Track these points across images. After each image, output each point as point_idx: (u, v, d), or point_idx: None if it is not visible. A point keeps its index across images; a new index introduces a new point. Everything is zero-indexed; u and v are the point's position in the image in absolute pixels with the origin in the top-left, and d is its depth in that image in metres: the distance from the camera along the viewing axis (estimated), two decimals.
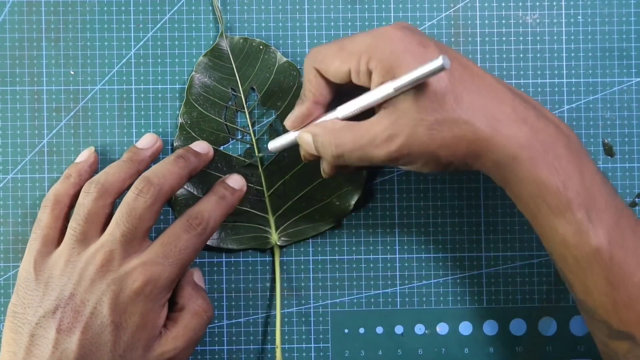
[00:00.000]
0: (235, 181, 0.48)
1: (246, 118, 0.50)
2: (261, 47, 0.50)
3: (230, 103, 0.50)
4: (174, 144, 0.50)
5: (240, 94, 0.50)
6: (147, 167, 0.47)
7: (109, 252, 0.43)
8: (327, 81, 0.43)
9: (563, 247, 0.41)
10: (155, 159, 0.48)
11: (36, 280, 0.44)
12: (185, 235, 0.44)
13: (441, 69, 0.37)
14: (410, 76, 0.38)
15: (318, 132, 0.43)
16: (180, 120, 0.50)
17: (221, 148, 0.50)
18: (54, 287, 0.43)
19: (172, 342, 0.44)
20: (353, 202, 0.50)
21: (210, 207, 0.46)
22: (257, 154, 0.50)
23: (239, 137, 0.50)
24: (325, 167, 0.45)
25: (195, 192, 0.49)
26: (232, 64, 0.50)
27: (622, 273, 0.40)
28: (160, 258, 0.43)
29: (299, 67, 0.50)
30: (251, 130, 0.50)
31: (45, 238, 0.45)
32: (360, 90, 0.42)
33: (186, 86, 0.50)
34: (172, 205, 0.50)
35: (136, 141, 0.49)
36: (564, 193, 0.40)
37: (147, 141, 0.48)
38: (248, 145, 0.50)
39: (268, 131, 0.50)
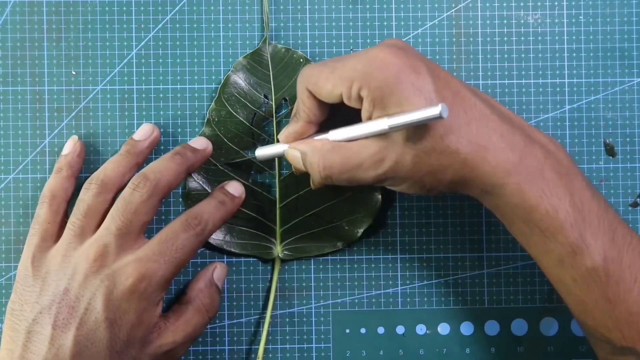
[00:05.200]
0: (235, 188, 0.48)
1: (273, 127, 0.50)
2: (301, 60, 0.50)
3: (260, 109, 0.50)
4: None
5: (272, 102, 0.50)
6: (146, 158, 0.48)
7: (103, 246, 0.43)
8: (320, 102, 0.43)
9: (559, 269, 0.41)
10: (153, 148, 0.48)
11: (34, 276, 0.44)
12: (184, 234, 0.44)
13: (438, 117, 0.37)
14: (407, 118, 0.38)
15: (307, 152, 0.44)
16: (208, 116, 0.50)
17: (247, 152, 0.50)
18: (51, 283, 0.43)
19: (171, 336, 0.44)
20: (362, 230, 0.49)
21: (210, 210, 0.46)
22: (276, 164, 0.50)
23: (263, 144, 0.50)
24: (314, 181, 0.45)
25: (209, 190, 0.49)
26: (269, 71, 0.50)
27: (620, 289, 0.40)
28: (156, 255, 0.43)
29: None
30: (276, 140, 0.50)
31: (44, 233, 0.45)
32: (354, 110, 0.42)
33: (220, 85, 0.50)
34: (184, 199, 0.50)
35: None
36: (554, 216, 0.40)
37: (143, 132, 0.48)
38: None
39: None
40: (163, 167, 0.45)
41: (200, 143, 0.48)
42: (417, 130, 0.40)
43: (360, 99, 0.41)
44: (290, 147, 0.45)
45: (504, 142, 0.41)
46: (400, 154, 0.40)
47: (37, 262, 0.44)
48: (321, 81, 0.42)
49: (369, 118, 0.41)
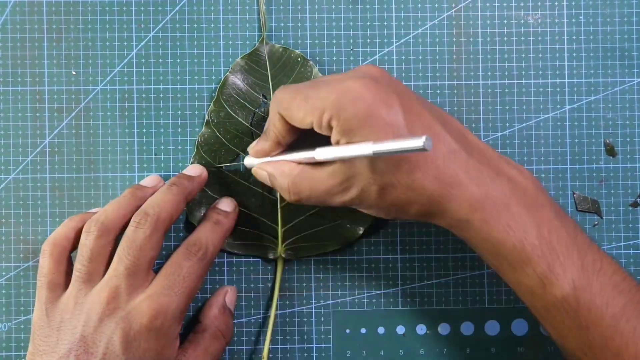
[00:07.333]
0: (227, 204, 0.48)
1: None
2: (299, 59, 0.50)
3: (259, 109, 0.50)
4: (197, 140, 0.50)
5: (270, 101, 0.50)
6: None
7: (114, 288, 0.43)
8: (291, 126, 0.43)
9: (530, 298, 0.42)
10: None
11: (49, 326, 0.44)
12: (187, 262, 0.44)
13: (422, 149, 0.36)
14: (391, 146, 0.37)
15: (275, 175, 0.44)
16: (207, 117, 0.50)
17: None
18: (66, 331, 0.43)
19: None
20: (364, 228, 0.49)
21: (207, 233, 0.46)
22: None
23: None
24: (285, 198, 0.45)
25: (210, 192, 0.49)
26: (267, 71, 0.50)
27: (592, 316, 0.40)
28: (165, 289, 0.43)
29: None
30: None
31: (50, 284, 0.45)
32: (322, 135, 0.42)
33: (219, 85, 0.50)
34: (187, 207, 0.50)
35: (138, 141, 0.49)
36: (521, 250, 0.40)
37: (150, 181, 0.48)
38: None
39: None
40: (162, 200, 0.45)
41: (195, 170, 0.48)
42: (384, 163, 0.40)
43: (330, 127, 0.41)
44: (258, 166, 0.46)
45: (469, 177, 0.41)
46: (366, 184, 0.41)
47: (50, 312, 0.44)
48: (293, 108, 0.42)
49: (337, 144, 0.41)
